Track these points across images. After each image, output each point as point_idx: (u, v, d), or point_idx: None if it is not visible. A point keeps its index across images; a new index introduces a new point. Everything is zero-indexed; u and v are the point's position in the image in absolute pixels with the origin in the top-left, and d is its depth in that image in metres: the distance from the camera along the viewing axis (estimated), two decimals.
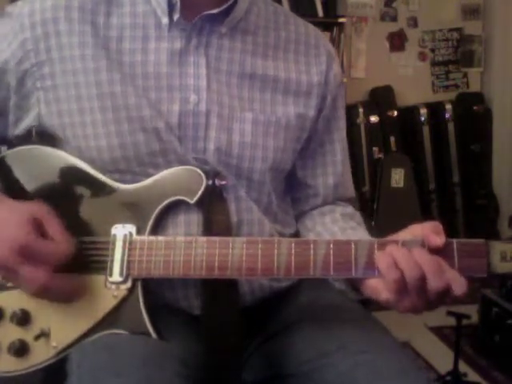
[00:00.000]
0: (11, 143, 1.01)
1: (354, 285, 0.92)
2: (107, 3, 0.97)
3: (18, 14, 0.97)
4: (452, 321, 2.33)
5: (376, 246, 0.85)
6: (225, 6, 0.96)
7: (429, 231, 0.84)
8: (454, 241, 0.85)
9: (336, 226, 1.05)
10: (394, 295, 0.83)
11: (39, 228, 0.85)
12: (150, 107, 0.94)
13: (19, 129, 1.00)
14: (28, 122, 0.99)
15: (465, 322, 2.33)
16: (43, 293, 0.85)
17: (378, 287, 0.85)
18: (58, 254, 0.85)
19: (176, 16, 0.95)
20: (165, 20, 0.96)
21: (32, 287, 0.85)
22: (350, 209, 1.12)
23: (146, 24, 0.97)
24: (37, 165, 0.97)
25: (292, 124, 1.02)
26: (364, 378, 0.86)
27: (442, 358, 2.54)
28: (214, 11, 0.95)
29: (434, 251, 0.83)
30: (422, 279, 0.81)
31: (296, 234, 1.09)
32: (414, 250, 0.82)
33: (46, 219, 0.86)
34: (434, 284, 0.81)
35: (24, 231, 0.83)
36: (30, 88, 0.97)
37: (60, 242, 0.85)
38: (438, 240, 0.83)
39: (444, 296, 0.82)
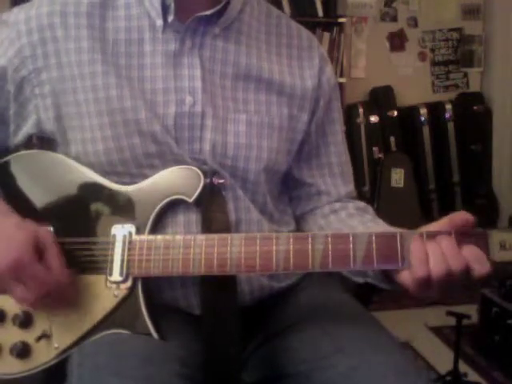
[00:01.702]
0: (12, 151, 1.01)
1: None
2: (102, 7, 0.98)
3: (14, 21, 0.97)
4: (452, 321, 2.33)
5: (374, 239, 0.86)
6: (218, 7, 0.96)
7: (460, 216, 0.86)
8: (453, 230, 0.85)
9: (355, 221, 1.05)
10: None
11: (40, 253, 0.86)
12: (146, 110, 0.94)
13: (18, 137, 1.01)
14: (26, 130, 1.00)
15: (465, 322, 2.33)
16: (32, 308, 0.89)
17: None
18: (50, 283, 0.85)
19: (170, 18, 0.95)
20: (159, 22, 0.96)
21: (20, 304, 0.88)
22: (361, 203, 1.12)
23: (141, 26, 0.97)
24: (37, 168, 0.97)
25: (285, 125, 1.02)
26: (363, 379, 0.86)
27: (441, 358, 2.54)
28: (207, 12, 0.95)
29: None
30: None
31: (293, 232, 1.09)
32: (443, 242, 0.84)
33: (49, 246, 0.87)
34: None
35: (24, 252, 0.84)
36: (28, 95, 0.97)
37: (55, 272, 0.86)
38: (470, 218, 0.85)
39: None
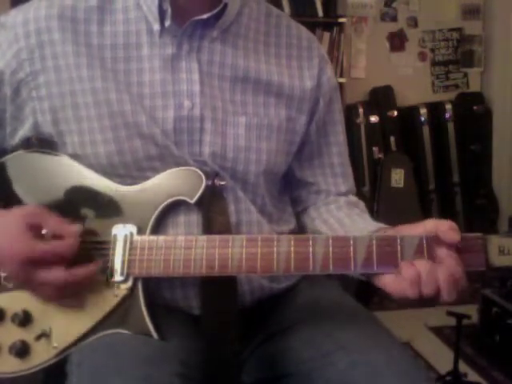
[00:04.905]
0: (10, 152, 1.00)
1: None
2: (100, 12, 0.97)
3: (12, 24, 0.97)
4: (452, 321, 2.33)
5: (375, 242, 0.86)
6: (214, 11, 0.96)
7: (446, 226, 0.85)
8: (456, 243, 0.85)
9: (342, 213, 1.06)
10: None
11: (38, 230, 0.85)
12: (146, 114, 0.94)
13: (15, 140, 1.01)
14: (23, 133, 0.99)
15: (465, 322, 2.33)
16: (66, 290, 0.86)
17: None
18: (66, 248, 0.85)
19: (167, 23, 0.95)
20: (156, 26, 0.96)
21: (55, 289, 0.86)
22: (353, 198, 1.13)
23: (139, 30, 0.97)
24: (36, 168, 0.97)
25: (283, 126, 1.02)
26: (363, 377, 0.86)
27: (441, 358, 2.54)
28: (204, 16, 0.95)
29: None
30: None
31: (294, 231, 1.09)
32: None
33: (42, 219, 0.86)
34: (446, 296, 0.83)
35: (24, 241, 0.84)
36: (25, 98, 0.97)
37: (63, 236, 0.86)
38: (456, 236, 0.84)
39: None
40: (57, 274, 0.84)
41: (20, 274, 0.84)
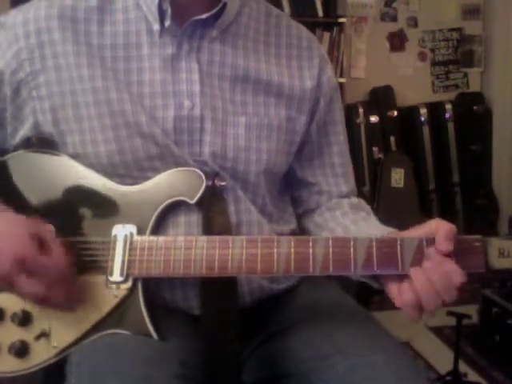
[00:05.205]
0: (11, 152, 1.00)
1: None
2: (100, 11, 0.97)
3: (12, 24, 0.97)
4: (452, 321, 2.33)
5: (374, 244, 0.86)
6: (214, 11, 0.96)
7: (442, 236, 0.84)
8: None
9: (347, 220, 1.05)
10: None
11: (39, 243, 0.85)
12: (146, 113, 0.94)
13: (15, 140, 1.01)
14: (23, 132, 0.99)
15: (465, 322, 2.33)
16: (42, 303, 0.87)
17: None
18: (56, 270, 0.85)
19: (167, 23, 0.95)
20: (156, 26, 0.96)
21: (30, 298, 0.87)
22: (355, 199, 1.12)
23: (139, 30, 0.97)
24: (36, 167, 0.97)
25: (283, 126, 1.02)
26: (363, 380, 0.86)
27: (441, 358, 2.54)
28: (203, 16, 0.95)
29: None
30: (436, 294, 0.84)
31: (295, 231, 1.09)
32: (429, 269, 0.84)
33: (46, 236, 0.87)
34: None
35: (24, 244, 0.84)
36: (26, 98, 0.97)
37: (59, 258, 0.86)
38: (450, 247, 0.84)
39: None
40: (36, 288, 0.84)
41: (6, 273, 0.83)
